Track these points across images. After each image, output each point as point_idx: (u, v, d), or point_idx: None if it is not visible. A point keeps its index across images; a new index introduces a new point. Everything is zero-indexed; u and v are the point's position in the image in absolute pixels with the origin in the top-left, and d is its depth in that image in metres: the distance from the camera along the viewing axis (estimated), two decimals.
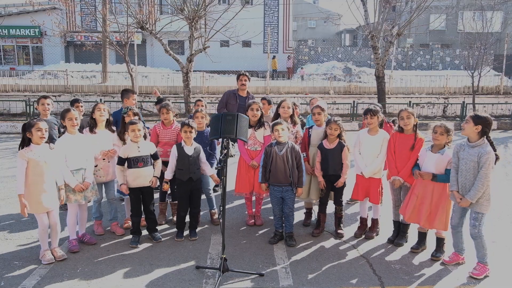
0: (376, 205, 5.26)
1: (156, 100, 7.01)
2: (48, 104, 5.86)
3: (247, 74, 7.06)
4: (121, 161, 4.93)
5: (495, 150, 4.20)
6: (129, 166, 4.92)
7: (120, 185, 4.97)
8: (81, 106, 6.32)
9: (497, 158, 4.23)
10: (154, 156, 5.06)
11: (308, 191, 5.43)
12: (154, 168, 5.04)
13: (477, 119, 4.19)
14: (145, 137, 5.10)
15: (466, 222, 4.48)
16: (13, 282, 4.14)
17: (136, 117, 5.29)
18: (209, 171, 5.27)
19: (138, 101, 15.09)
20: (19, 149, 4.37)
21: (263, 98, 6.46)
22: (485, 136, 4.22)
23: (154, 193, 5.36)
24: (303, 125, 6.29)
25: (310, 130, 5.53)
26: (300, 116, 6.38)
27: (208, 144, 5.62)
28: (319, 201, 5.42)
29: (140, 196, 5.00)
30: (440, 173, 4.55)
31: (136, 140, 4.93)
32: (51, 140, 4.72)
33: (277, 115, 5.69)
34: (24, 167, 4.28)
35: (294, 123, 5.63)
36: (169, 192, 5.71)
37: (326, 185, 5.21)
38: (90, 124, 5.18)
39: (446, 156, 4.53)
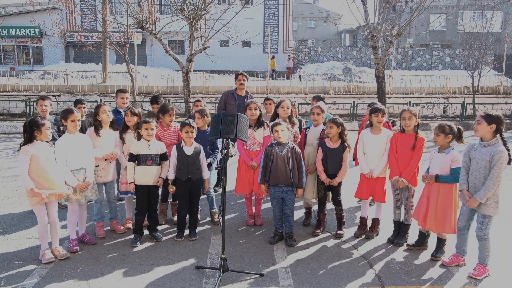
0: (380, 204, 5.26)
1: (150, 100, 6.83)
2: (46, 106, 5.88)
3: (245, 73, 7.07)
4: (132, 158, 4.97)
5: (508, 150, 4.11)
6: (138, 163, 4.97)
7: (129, 183, 4.99)
8: (84, 107, 6.31)
9: (510, 159, 4.12)
10: (163, 157, 5.08)
11: (303, 191, 5.43)
12: (162, 168, 5.07)
13: (490, 118, 4.10)
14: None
15: (472, 224, 4.45)
16: (13, 282, 4.14)
17: (135, 117, 5.29)
18: (206, 174, 5.26)
19: (137, 101, 15.12)
20: (20, 147, 4.39)
21: (267, 98, 6.45)
22: (499, 135, 4.14)
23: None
24: (301, 124, 6.27)
25: (307, 130, 5.54)
26: (298, 116, 6.37)
27: (210, 144, 5.60)
28: (318, 201, 5.42)
29: (146, 194, 5.03)
30: (445, 173, 4.52)
31: (149, 139, 4.96)
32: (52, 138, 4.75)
33: (275, 115, 5.70)
34: (27, 162, 4.32)
35: (292, 123, 5.63)
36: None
37: (324, 184, 5.22)
38: (95, 125, 5.16)
39: (450, 156, 4.51)
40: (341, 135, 5.15)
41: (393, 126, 5.71)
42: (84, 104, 6.34)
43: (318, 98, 6.51)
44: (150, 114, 6.40)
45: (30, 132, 4.37)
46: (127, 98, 6.63)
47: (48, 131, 4.41)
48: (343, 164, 5.15)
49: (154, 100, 6.47)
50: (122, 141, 5.33)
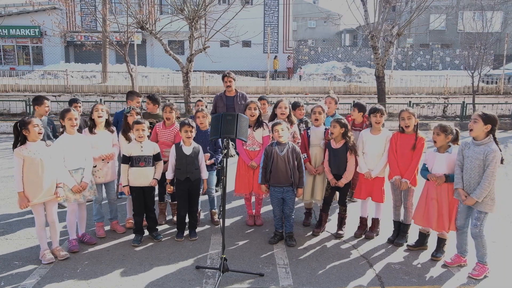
0: (379, 204, 5.26)
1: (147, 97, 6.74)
2: (47, 106, 5.86)
3: (231, 74, 7.05)
4: (125, 160, 4.95)
5: (500, 150, 4.15)
6: (131, 165, 4.95)
7: (123, 186, 4.99)
8: (79, 106, 6.29)
9: (502, 158, 4.16)
10: (156, 157, 5.06)
11: (312, 192, 5.43)
12: (155, 168, 5.05)
13: (487, 118, 4.13)
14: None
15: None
16: (13, 282, 4.14)
17: (139, 117, 5.30)
18: (204, 174, 5.26)
19: (144, 101, 15.08)
20: (13, 148, 4.37)
21: (261, 98, 6.44)
22: (492, 134, 4.17)
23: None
24: (307, 125, 6.25)
25: (308, 131, 5.54)
26: (305, 117, 6.33)
27: (212, 144, 5.60)
28: (323, 201, 5.41)
29: (142, 195, 5.01)
30: (452, 172, 4.52)
31: (140, 140, 4.95)
32: (47, 138, 4.72)
33: (274, 115, 5.69)
34: (21, 165, 4.29)
35: (291, 123, 5.62)
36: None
37: (330, 184, 5.22)
38: (90, 124, 5.18)
39: (455, 155, 4.51)
40: (345, 136, 5.14)
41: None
42: (80, 103, 6.32)
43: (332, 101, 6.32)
44: (145, 115, 6.38)
45: (19, 133, 4.33)
46: (138, 102, 6.55)
47: (37, 129, 4.33)
48: (348, 165, 5.15)
49: (150, 97, 6.38)
50: (128, 142, 5.31)
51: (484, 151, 4.14)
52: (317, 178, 5.40)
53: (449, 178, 4.52)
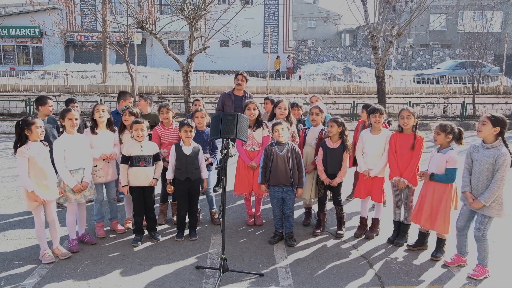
0: (378, 204, 5.26)
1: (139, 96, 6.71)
2: (51, 106, 5.87)
3: (245, 74, 7.04)
4: (125, 160, 4.95)
5: (510, 153, 4.10)
6: (131, 165, 4.95)
7: (123, 186, 4.98)
8: (76, 106, 6.28)
9: None
10: (156, 157, 5.06)
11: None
12: (155, 169, 5.05)
13: (496, 121, 4.08)
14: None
15: (471, 225, 4.44)
16: (13, 282, 4.14)
17: (133, 117, 5.29)
18: (204, 173, 5.25)
19: (137, 101, 15.09)
20: (14, 148, 4.38)
21: (266, 98, 6.45)
22: (501, 137, 4.13)
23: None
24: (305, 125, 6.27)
25: (307, 130, 5.54)
26: (302, 116, 6.36)
27: (209, 144, 5.61)
28: (318, 201, 5.42)
29: (142, 195, 5.01)
30: (441, 173, 4.53)
31: (140, 140, 4.94)
32: (49, 138, 4.71)
33: (273, 115, 5.70)
34: (26, 164, 4.31)
35: (290, 123, 5.62)
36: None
37: (324, 184, 5.22)
38: (92, 125, 5.18)
39: (446, 156, 4.50)
40: (342, 135, 5.15)
41: (389, 126, 5.72)
42: (76, 103, 6.31)
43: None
44: (142, 116, 6.38)
45: (21, 132, 4.34)
46: (130, 102, 6.59)
47: (39, 130, 4.36)
48: (342, 164, 5.15)
49: (140, 94, 6.39)
50: (120, 144, 5.32)
51: (494, 154, 4.09)
52: (307, 177, 5.36)
53: (433, 177, 4.54)
